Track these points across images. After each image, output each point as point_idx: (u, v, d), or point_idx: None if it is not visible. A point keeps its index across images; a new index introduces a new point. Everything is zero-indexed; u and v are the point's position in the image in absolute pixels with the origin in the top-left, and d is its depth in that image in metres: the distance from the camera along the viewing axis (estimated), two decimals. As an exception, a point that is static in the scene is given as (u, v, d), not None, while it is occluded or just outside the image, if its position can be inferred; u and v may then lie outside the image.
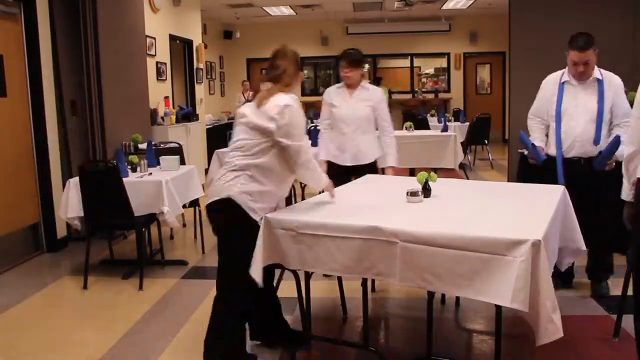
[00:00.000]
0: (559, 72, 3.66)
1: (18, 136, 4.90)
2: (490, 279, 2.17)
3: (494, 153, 10.71)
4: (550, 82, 3.69)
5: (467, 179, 7.56)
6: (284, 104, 2.65)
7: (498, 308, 2.39)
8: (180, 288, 4.14)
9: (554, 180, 3.41)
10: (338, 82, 4.32)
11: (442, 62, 14.44)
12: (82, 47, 5.42)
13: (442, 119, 9.53)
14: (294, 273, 2.80)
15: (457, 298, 3.64)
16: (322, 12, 12.74)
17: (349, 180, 3.73)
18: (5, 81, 4.71)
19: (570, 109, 3.51)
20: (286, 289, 3.80)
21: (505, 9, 6.42)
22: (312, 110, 12.69)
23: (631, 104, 4.57)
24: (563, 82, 3.58)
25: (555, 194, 3.05)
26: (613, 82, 3.51)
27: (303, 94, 14.40)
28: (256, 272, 2.73)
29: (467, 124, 9.55)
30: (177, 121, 7.76)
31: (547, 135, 3.72)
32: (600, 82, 3.48)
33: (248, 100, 11.55)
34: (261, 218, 2.66)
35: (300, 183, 5.53)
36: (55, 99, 5.26)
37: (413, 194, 2.90)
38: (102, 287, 4.22)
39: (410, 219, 2.56)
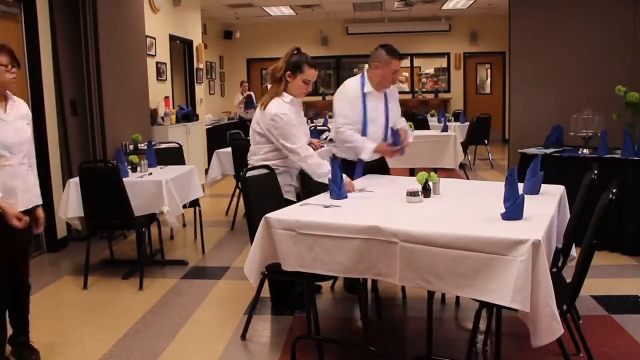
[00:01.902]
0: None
1: (18, 136, 4.89)
2: (491, 279, 2.17)
3: (494, 153, 10.72)
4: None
5: (467, 179, 7.56)
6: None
7: (498, 308, 2.39)
8: (180, 288, 4.14)
9: (553, 180, 3.42)
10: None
11: (442, 62, 14.44)
12: (82, 47, 5.42)
13: (442, 119, 9.53)
14: (304, 281, 2.80)
15: (457, 298, 3.64)
16: (322, 12, 12.74)
17: None
18: (5, 81, 4.71)
19: None
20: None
21: (505, 9, 6.43)
22: (312, 110, 12.69)
23: (632, 103, 4.60)
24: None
25: (555, 193, 3.06)
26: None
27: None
28: (252, 273, 2.73)
29: (467, 124, 9.55)
30: (177, 121, 7.77)
31: None
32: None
33: (246, 100, 11.53)
34: None
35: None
36: (55, 98, 5.26)
37: (413, 194, 2.90)
38: (102, 287, 4.22)
39: (410, 219, 2.56)
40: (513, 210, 2.45)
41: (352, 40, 13.85)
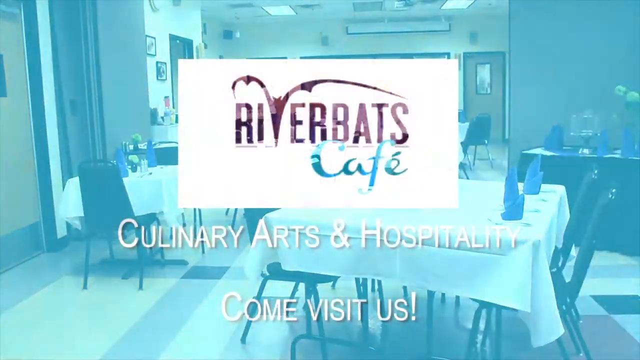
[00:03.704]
0: None
1: (18, 136, 4.90)
2: (491, 279, 2.17)
3: (494, 153, 10.70)
4: None
5: (467, 179, 7.55)
6: None
7: (498, 308, 2.39)
8: (180, 288, 4.14)
9: (553, 180, 3.41)
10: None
11: (442, 62, 14.44)
12: (82, 47, 5.41)
13: (442, 118, 9.51)
14: (305, 281, 2.79)
15: (457, 298, 3.63)
16: (322, 12, 12.73)
17: None
18: (5, 81, 4.71)
19: None
20: (280, 289, 3.79)
21: (505, 9, 6.42)
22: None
23: (632, 103, 4.60)
24: None
25: (555, 193, 3.06)
26: None
27: (303, 94, 14.37)
28: (252, 273, 2.73)
29: (467, 123, 9.54)
30: (177, 121, 7.75)
31: None
32: None
33: None
34: None
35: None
36: (55, 98, 5.25)
37: (413, 193, 2.89)
38: (102, 287, 4.22)
39: (410, 219, 2.56)
40: (513, 210, 2.44)
41: (352, 40, 13.84)
